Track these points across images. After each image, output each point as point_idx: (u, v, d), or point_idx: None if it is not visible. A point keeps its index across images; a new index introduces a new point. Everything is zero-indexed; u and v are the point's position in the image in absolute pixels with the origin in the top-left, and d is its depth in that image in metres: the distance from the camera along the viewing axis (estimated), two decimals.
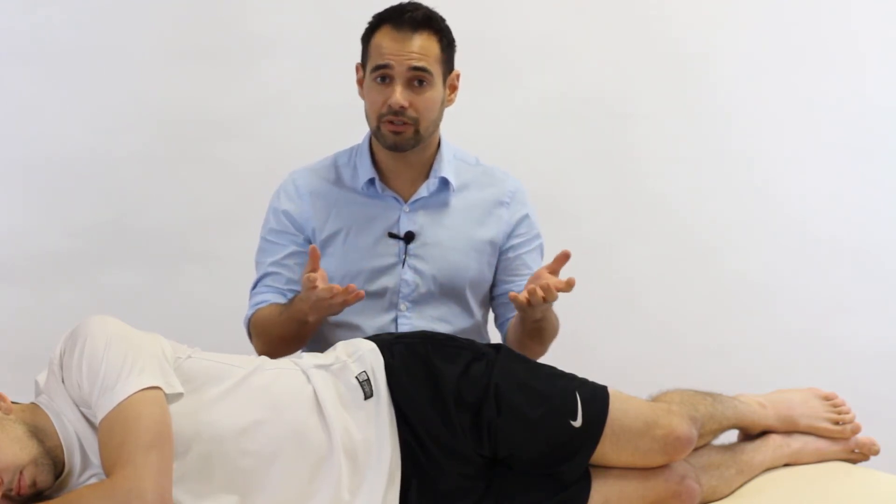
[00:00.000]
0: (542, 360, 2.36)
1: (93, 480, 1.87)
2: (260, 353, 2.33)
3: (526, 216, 2.47)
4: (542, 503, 2.03)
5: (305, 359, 2.08)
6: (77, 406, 1.89)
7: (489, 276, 2.45)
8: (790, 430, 2.33)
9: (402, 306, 2.37)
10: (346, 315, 2.31)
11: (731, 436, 2.33)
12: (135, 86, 3.25)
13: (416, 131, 2.30)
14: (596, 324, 3.25)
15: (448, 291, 2.39)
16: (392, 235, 2.37)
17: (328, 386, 2.01)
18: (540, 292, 2.10)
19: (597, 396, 2.09)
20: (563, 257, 2.16)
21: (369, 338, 2.14)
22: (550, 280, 2.13)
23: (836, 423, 2.35)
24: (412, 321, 2.37)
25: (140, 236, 3.26)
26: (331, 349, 2.13)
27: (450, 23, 2.34)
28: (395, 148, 2.32)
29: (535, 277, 2.18)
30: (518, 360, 2.14)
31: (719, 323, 3.44)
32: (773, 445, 2.29)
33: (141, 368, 1.86)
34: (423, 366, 2.05)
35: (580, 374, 2.16)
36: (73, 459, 1.88)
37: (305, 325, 2.25)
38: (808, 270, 3.46)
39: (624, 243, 3.42)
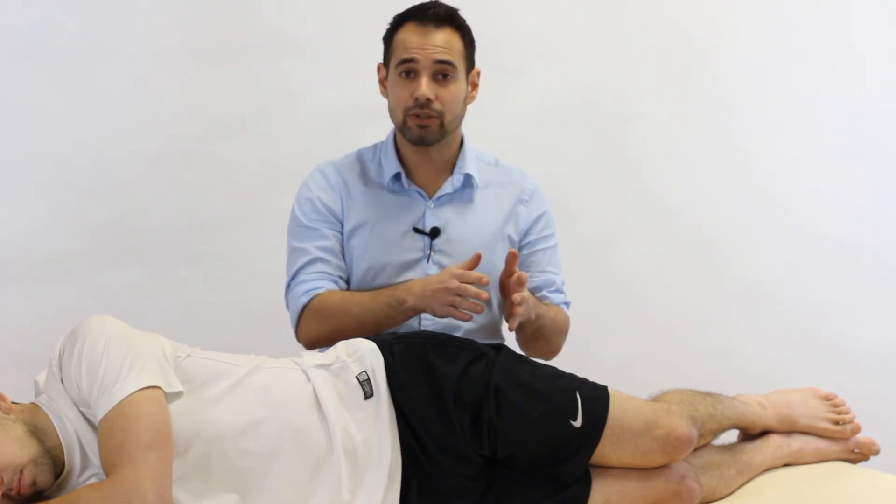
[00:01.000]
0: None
1: (93, 480, 1.87)
2: (314, 342, 2.32)
3: (543, 214, 2.50)
4: (541, 503, 2.04)
5: (305, 358, 2.09)
6: (77, 406, 1.89)
7: None
8: (790, 430, 2.33)
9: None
10: None
11: (731, 436, 2.33)
12: (135, 86, 3.24)
13: (442, 124, 2.33)
14: (596, 324, 3.25)
15: None
16: (417, 231, 2.39)
17: (328, 385, 2.01)
18: (514, 309, 2.17)
19: (597, 396, 2.09)
20: (512, 257, 2.22)
21: (369, 337, 2.14)
22: (511, 285, 2.20)
23: (836, 423, 2.35)
24: (435, 317, 2.37)
25: (140, 236, 3.26)
26: (331, 349, 2.13)
27: None
28: (421, 141, 2.34)
29: (502, 289, 2.26)
30: (518, 360, 2.14)
31: (719, 323, 3.44)
32: (773, 445, 2.29)
33: (140, 368, 1.86)
34: (423, 366, 2.06)
35: (580, 374, 2.16)
36: (73, 459, 1.88)
37: (399, 310, 2.26)
38: (808, 270, 3.46)
39: (624, 243, 3.42)
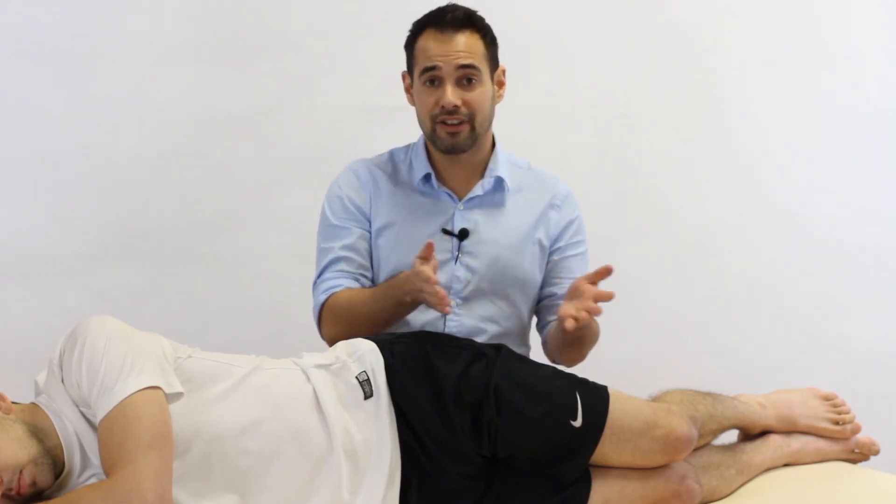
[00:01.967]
0: (542, 359, 2.36)
1: (93, 480, 1.87)
2: (334, 339, 2.29)
3: (575, 219, 2.49)
4: (541, 503, 2.04)
5: (305, 358, 2.08)
6: (77, 406, 1.89)
7: (539, 278, 2.45)
8: (790, 430, 2.33)
9: (452, 303, 2.34)
10: None
11: (731, 436, 2.33)
12: (135, 86, 3.24)
13: (472, 129, 2.31)
14: None
15: (499, 290, 2.39)
16: (446, 232, 2.37)
17: (328, 385, 2.01)
18: (584, 315, 2.09)
19: (597, 396, 2.09)
20: (605, 272, 2.13)
21: (369, 337, 2.14)
22: (591, 292, 2.11)
23: (836, 423, 2.35)
24: (461, 319, 2.37)
25: (140, 236, 3.26)
26: (331, 349, 2.13)
27: None
28: (453, 150, 2.33)
29: (575, 291, 2.16)
30: (518, 360, 2.14)
31: (719, 323, 3.44)
32: (773, 445, 2.29)
33: (141, 368, 1.86)
34: (423, 365, 2.06)
35: (580, 374, 2.16)
36: (73, 459, 1.88)
37: (401, 306, 2.25)
38: (809, 270, 3.46)
39: (624, 243, 3.41)
